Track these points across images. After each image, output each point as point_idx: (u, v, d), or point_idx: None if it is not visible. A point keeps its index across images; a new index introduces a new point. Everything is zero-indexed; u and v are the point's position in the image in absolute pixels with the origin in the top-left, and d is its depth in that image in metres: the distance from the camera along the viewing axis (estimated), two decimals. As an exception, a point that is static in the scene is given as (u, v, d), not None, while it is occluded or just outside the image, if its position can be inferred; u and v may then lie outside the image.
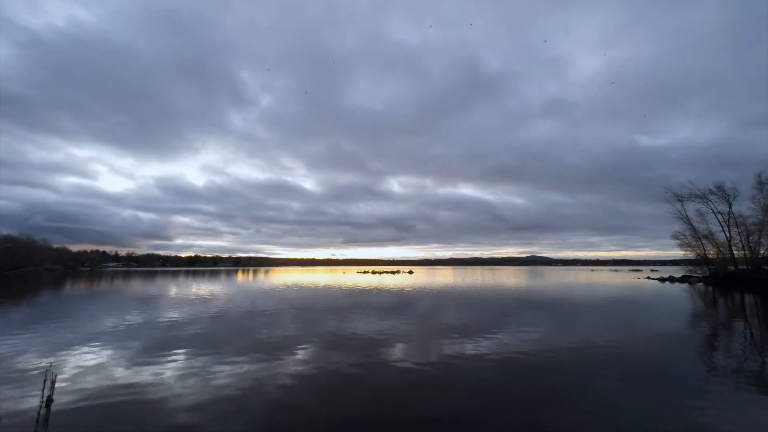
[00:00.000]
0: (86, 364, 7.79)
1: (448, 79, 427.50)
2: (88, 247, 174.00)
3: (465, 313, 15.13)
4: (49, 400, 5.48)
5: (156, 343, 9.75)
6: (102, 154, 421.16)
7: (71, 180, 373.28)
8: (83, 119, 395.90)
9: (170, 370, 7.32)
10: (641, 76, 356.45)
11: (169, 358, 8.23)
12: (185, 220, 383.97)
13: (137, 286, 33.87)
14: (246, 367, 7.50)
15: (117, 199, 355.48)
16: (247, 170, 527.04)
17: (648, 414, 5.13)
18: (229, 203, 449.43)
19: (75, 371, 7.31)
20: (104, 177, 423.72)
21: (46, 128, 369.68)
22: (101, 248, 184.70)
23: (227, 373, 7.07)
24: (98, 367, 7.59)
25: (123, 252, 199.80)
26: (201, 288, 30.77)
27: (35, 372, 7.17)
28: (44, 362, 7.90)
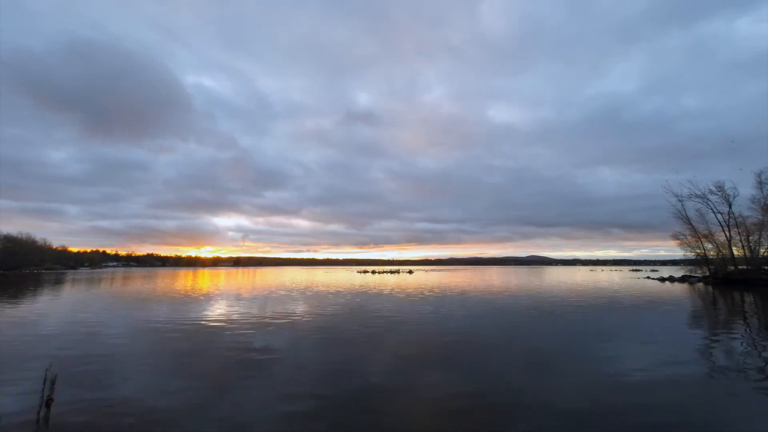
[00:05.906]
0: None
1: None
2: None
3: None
4: (50, 400, 5.46)
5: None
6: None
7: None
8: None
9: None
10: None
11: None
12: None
13: (189, 282, 34.15)
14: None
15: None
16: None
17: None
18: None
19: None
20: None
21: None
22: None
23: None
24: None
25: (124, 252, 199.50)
26: (244, 281, 31.16)
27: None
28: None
